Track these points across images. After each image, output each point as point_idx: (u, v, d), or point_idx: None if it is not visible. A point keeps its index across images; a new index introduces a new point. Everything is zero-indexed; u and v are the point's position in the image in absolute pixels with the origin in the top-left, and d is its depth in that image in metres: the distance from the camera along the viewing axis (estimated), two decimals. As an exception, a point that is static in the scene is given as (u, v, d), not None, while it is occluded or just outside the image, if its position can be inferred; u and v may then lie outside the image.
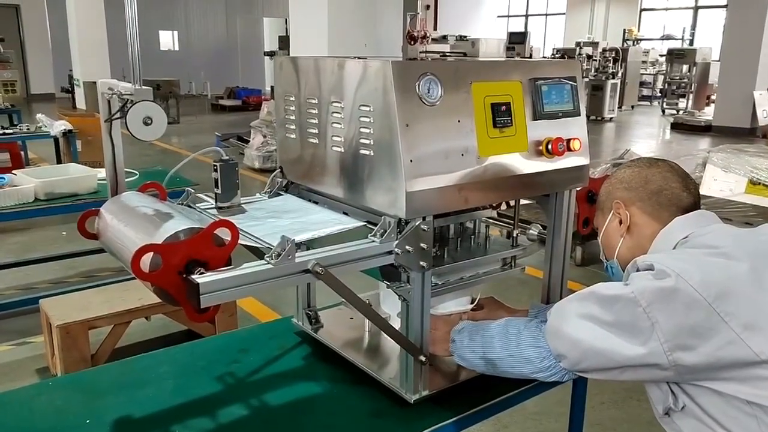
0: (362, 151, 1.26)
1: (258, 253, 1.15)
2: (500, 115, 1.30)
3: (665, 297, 1.03)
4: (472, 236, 1.51)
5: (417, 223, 1.21)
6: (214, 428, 1.25)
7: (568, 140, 1.41)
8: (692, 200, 1.24)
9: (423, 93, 1.18)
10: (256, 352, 1.53)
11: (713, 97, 12.24)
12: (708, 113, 11.79)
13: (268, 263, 1.06)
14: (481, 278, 1.46)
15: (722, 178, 3.42)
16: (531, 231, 1.56)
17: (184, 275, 1.00)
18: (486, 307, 1.51)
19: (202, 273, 1.00)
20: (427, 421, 1.28)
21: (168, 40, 17.37)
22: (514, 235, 1.50)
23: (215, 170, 1.34)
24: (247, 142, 7.65)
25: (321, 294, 1.62)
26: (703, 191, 3.55)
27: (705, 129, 10.89)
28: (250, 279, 1.03)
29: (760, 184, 3.27)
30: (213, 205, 1.40)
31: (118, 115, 1.30)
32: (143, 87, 1.25)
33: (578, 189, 1.51)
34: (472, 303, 1.52)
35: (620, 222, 1.28)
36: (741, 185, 3.33)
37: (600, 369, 1.13)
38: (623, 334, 1.06)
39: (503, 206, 1.60)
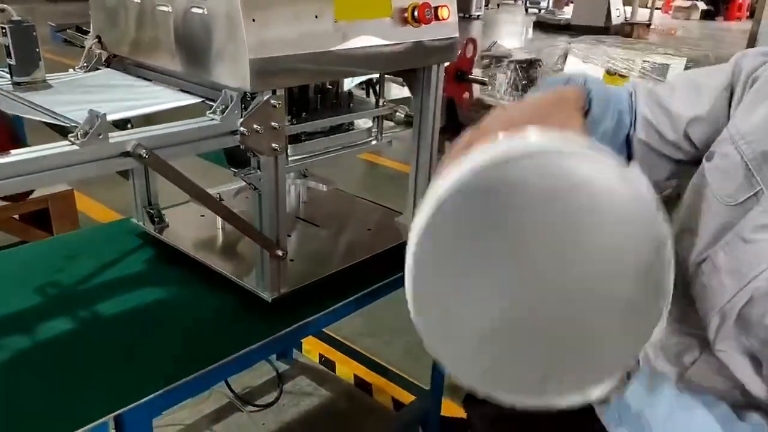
0: (194, 9, 1.04)
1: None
2: (360, -29, 1.12)
3: None
4: (334, 101, 1.34)
5: (265, 98, 1.03)
6: (31, 348, 1.05)
7: (436, 7, 1.26)
8: None
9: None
10: (87, 258, 1.32)
11: (573, -3, 12.59)
12: (567, 12, 12.17)
13: (73, 144, 0.84)
14: (346, 148, 1.32)
15: (582, 68, 3.49)
16: (398, 113, 1.44)
17: (-47, 161, 0.76)
18: None
19: (-23, 158, 0.77)
20: (288, 320, 1.16)
21: None
22: (380, 103, 1.37)
23: (4, 34, 1.05)
24: (87, 32, 6.78)
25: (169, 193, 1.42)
26: (564, 82, 3.63)
27: (564, 28, 11.26)
28: (46, 164, 0.81)
29: (615, 73, 3.37)
30: (9, 81, 1.11)
31: None
32: None
33: (446, 66, 1.39)
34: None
35: None
36: (598, 75, 3.43)
37: None
38: None
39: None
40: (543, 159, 0.61)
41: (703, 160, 0.95)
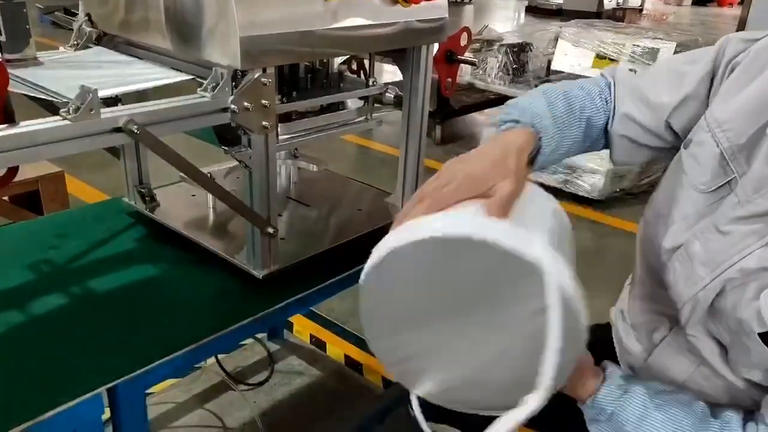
0: (185, -13, 1.04)
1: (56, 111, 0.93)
2: (350, -50, 1.13)
3: None
4: (325, 81, 1.36)
5: (256, 76, 1.04)
6: (24, 323, 1.06)
7: (426, -13, 1.27)
8: None
9: None
10: (78, 236, 1.32)
11: (565, -18, 12.54)
12: (560, -3, 12.13)
13: (65, 119, 0.85)
14: (336, 127, 1.34)
15: (572, 53, 3.50)
16: (388, 93, 1.45)
17: (-54, 135, 0.77)
18: None
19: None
20: (278, 297, 1.18)
21: None
22: (370, 83, 1.38)
23: (-7, 10, 1.05)
24: (76, 14, 6.71)
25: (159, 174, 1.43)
26: (554, 66, 3.63)
27: (556, 13, 11.24)
28: (38, 139, 0.82)
29: (605, 58, 3.38)
30: (-1, 58, 1.11)
31: None
32: None
33: (436, 50, 1.40)
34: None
35: None
36: (589, 60, 3.44)
37: None
38: None
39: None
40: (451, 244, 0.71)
41: (681, 147, 0.97)
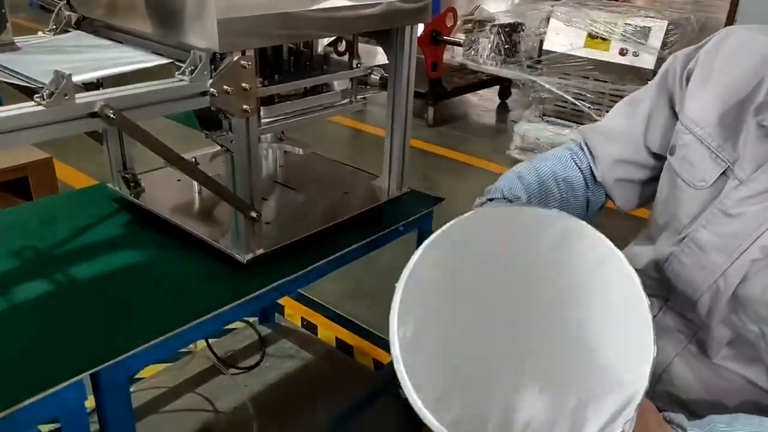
0: (161, -31, 1.03)
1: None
2: (329, -71, 1.11)
3: None
4: (308, 63, 1.35)
5: (235, 58, 1.03)
6: (6, 310, 1.06)
7: (409, -33, 1.25)
8: None
9: None
10: (63, 223, 1.32)
11: (559, -40, 12.43)
12: (554, -24, 12.03)
13: (39, 104, 0.84)
14: (320, 110, 1.33)
15: (564, 32, 3.47)
16: (373, 75, 1.43)
17: None
18: None
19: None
20: (263, 280, 1.18)
21: None
22: (354, 65, 1.37)
23: (-33, -6, 1.04)
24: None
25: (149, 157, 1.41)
26: (546, 47, 3.60)
27: (551, -8, 11.17)
28: (10, 125, 0.81)
29: (597, 37, 3.36)
30: (-25, 43, 1.10)
31: None
32: None
33: (421, 31, 1.39)
34: None
35: None
36: (581, 39, 3.41)
37: None
38: None
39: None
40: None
41: (667, 155, 0.98)
